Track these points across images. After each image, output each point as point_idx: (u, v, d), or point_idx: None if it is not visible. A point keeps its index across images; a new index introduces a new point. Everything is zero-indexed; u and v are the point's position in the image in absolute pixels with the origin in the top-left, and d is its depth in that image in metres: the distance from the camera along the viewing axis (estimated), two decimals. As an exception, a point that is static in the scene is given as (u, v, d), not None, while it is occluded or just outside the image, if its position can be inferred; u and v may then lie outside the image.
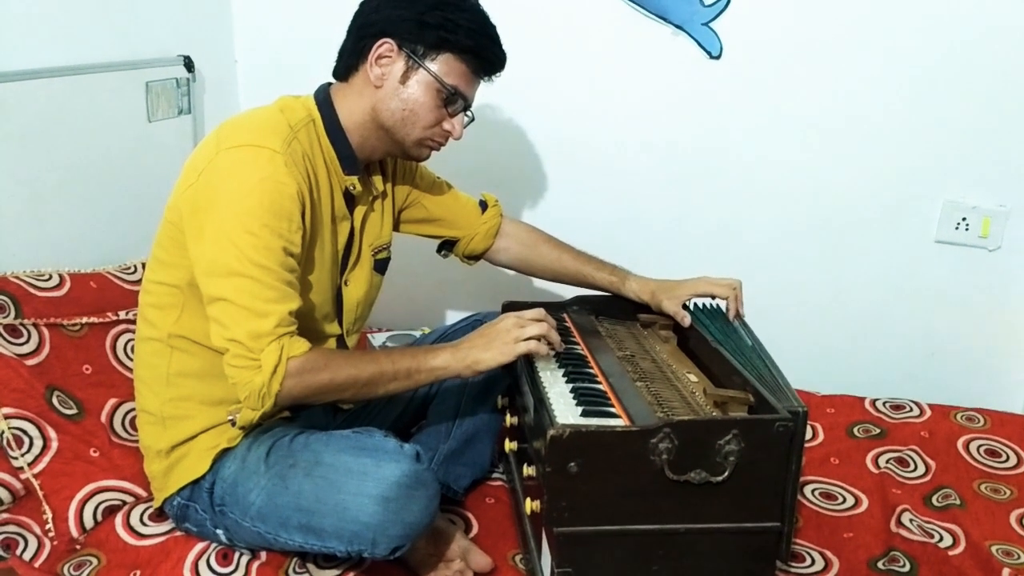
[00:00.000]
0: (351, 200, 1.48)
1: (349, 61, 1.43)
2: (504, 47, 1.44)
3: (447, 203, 1.70)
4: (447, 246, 1.76)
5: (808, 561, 1.50)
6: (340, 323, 1.51)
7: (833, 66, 2.05)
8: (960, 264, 2.13)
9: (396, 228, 1.67)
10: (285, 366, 1.24)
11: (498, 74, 1.47)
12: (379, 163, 1.56)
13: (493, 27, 1.43)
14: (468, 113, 1.47)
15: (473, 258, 1.77)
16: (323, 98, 1.44)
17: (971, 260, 2.12)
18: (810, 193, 2.15)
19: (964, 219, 2.09)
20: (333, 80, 1.47)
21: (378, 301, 1.63)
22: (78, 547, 1.40)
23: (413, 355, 1.35)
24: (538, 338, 1.36)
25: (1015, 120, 2.01)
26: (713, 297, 1.65)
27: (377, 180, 1.55)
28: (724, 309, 1.64)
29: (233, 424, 1.33)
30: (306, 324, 1.42)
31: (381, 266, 1.59)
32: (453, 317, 2.38)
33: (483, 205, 1.74)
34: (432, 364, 1.34)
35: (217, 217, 1.26)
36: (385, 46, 1.39)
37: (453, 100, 1.42)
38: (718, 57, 2.09)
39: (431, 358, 1.34)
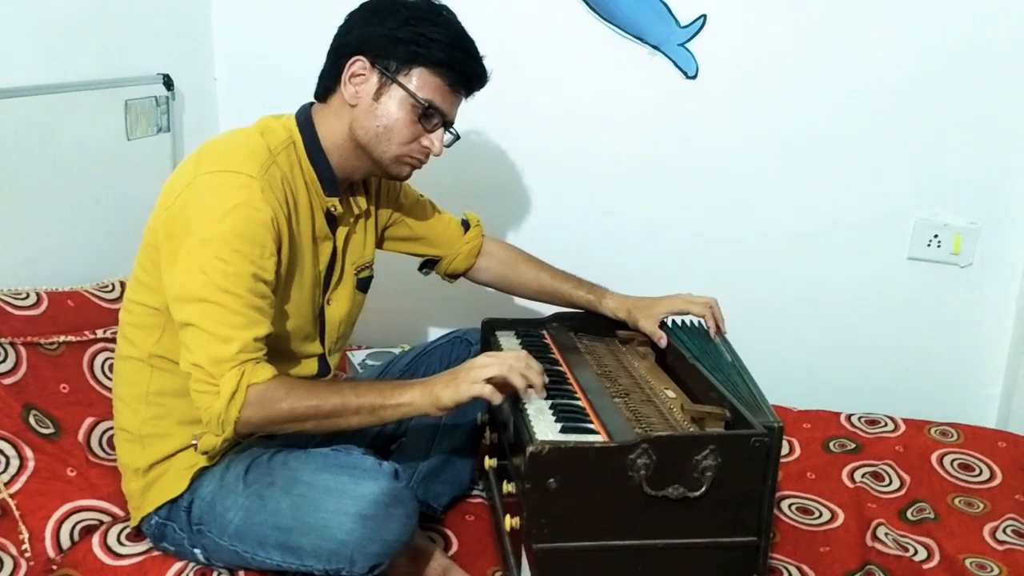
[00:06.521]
0: (333, 220, 1.47)
1: (327, 82, 1.43)
2: (483, 61, 1.42)
3: (430, 222, 1.70)
4: (429, 264, 1.76)
5: (785, 576, 1.52)
6: (322, 342, 1.50)
7: (807, 86, 2.08)
8: (932, 281, 2.16)
9: (379, 245, 1.67)
10: (244, 393, 1.23)
11: (477, 88, 1.44)
12: (363, 182, 1.55)
13: (469, 40, 1.41)
14: (451, 130, 1.46)
15: (454, 276, 1.78)
16: (304, 119, 1.43)
17: (943, 277, 2.15)
18: (785, 211, 2.18)
19: (936, 236, 2.12)
20: (315, 101, 1.47)
21: (359, 318, 1.63)
22: (55, 567, 1.39)
23: (379, 390, 1.31)
24: (500, 380, 1.30)
25: (985, 139, 2.05)
26: (688, 315, 1.66)
27: (360, 199, 1.54)
28: (703, 326, 1.65)
29: (195, 448, 1.33)
30: (287, 344, 1.42)
31: (363, 285, 1.59)
32: (434, 334, 2.37)
33: (465, 224, 1.74)
34: (398, 400, 1.29)
35: (189, 243, 1.25)
36: (358, 63, 1.37)
37: (429, 115, 1.39)
38: (694, 77, 2.11)
39: (398, 394, 1.30)
